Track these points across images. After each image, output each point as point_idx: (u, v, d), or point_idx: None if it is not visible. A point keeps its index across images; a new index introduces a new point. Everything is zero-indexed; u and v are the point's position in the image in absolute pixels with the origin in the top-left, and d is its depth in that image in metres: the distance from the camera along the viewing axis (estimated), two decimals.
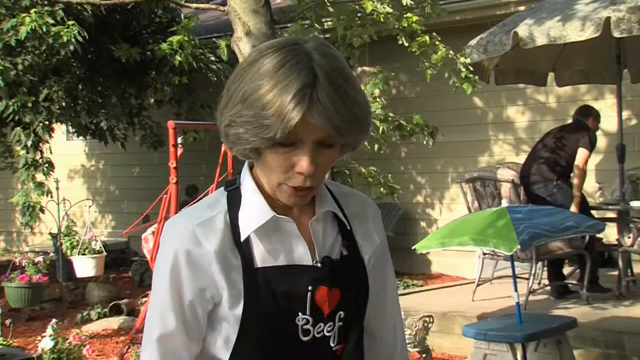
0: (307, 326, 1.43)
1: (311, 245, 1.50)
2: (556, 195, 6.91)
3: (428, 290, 8.65)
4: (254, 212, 1.47)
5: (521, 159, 7.85)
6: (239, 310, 1.43)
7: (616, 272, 7.23)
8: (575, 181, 6.89)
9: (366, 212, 1.63)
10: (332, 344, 1.46)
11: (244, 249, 1.46)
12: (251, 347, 1.41)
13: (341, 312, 1.48)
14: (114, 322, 8.06)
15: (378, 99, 7.63)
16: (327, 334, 1.46)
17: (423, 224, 10.27)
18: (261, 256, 1.46)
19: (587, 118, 7.07)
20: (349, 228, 1.56)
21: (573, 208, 6.71)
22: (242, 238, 1.46)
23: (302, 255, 1.49)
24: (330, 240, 1.54)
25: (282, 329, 1.42)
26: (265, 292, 1.42)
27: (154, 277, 1.49)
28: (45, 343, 5.50)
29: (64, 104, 9.22)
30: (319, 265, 1.49)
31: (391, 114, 7.55)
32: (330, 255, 1.51)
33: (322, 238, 1.53)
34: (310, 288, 1.45)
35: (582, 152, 6.80)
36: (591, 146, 6.88)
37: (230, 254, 1.46)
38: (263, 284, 1.43)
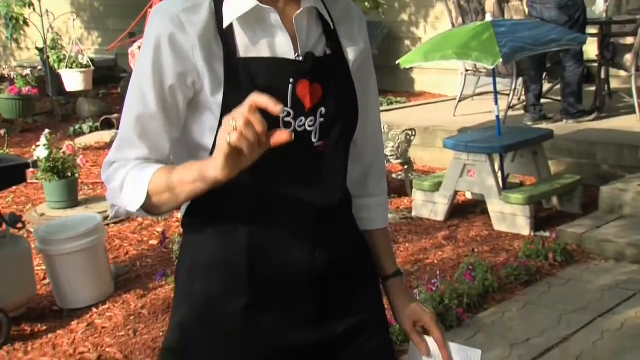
0: (288, 119, 1.43)
1: (294, 39, 1.48)
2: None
3: (411, 106, 8.71)
4: (239, 1, 1.45)
5: None
6: (220, 97, 1.43)
7: (594, 88, 7.30)
8: None
9: (352, 16, 1.60)
10: (313, 140, 1.47)
11: (227, 37, 1.44)
12: None
13: (323, 109, 1.47)
14: (106, 135, 8.14)
15: None
16: (308, 129, 1.46)
17: (407, 42, 10.16)
18: (244, 46, 1.45)
19: None
20: (333, 28, 1.54)
21: None
22: (225, 25, 1.44)
23: (284, 48, 1.47)
24: (314, 37, 1.52)
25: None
26: (245, 82, 1.41)
27: (137, 61, 1.48)
28: (40, 152, 5.59)
29: None
30: (301, 59, 1.47)
31: None
32: (313, 52, 1.51)
33: (305, 34, 1.50)
34: (291, 81, 1.45)
35: None
36: None
37: (214, 42, 1.43)
38: (244, 74, 1.42)
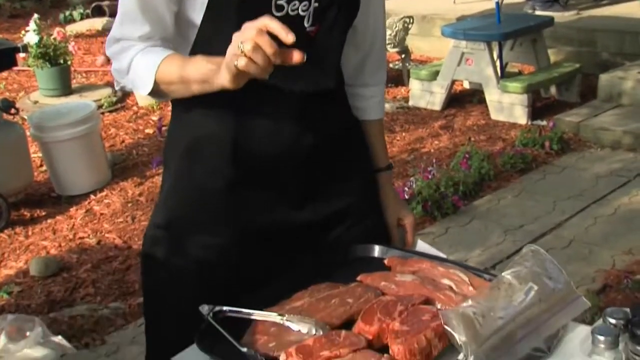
0: (281, 2, 1.37)
1: None
2: None
3: None
4: None
5: None
6: None
7: None
8: None
9: None
10: (306, 24, 1.41)
11: None
12: (227, 10, 1.37)
13: None
14: (98, 22, 7.96)
15: None
16: (301, 13, 1.40)
17: None
18: None
19: None
20: None
21: None
22: None
23: None
24: None
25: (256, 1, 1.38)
26: None
27: None
28: (30, 37, 5.45)
29: None
30: None
31: None
32: None
33: None
34: None
35: None
36: None
37: None
38: None
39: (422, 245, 1.68)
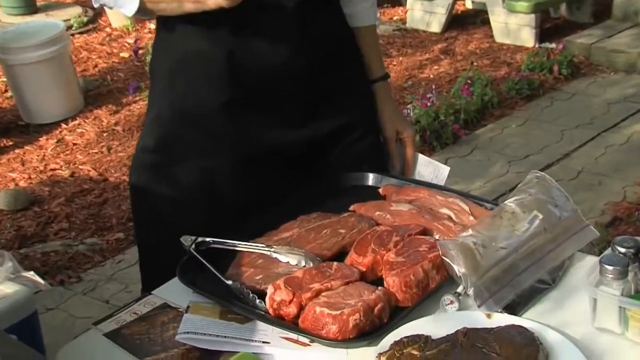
0: None
1: None
2: None
3: None
4: None
5: None
6: None
7: None
8: None
9: None
10: None
11: None
12: None
13: None
14: None
15: None
16: None
17: None
18: None
19: None
20: None
21: None
22: None
23: None
24: None
25: None
26: None
27: None
28: None
29: None
30: None
31: None
32: None
33: None
34: None
35: None
36: None
37: None
38: None
39: (422, 160, 1.68)
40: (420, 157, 1.69)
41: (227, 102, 1.48)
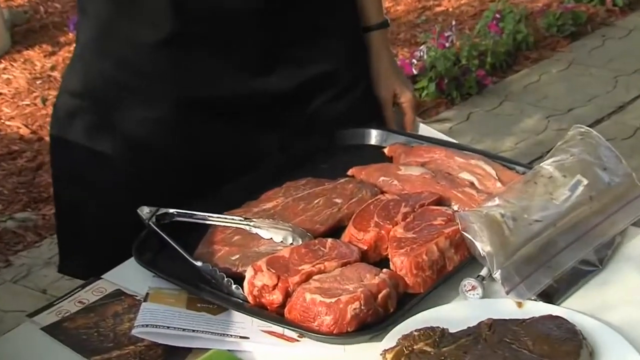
0: None
1: None
2: None
3: None
4: None
5: None
6: None
7: None
8: None
9: None
10: None
11: None
12: None
13: None
14: None
15: None
16: None
17: None
18: None
19: None
20: None
21: None
22: None
23: None
24: None
25: None
26: None
27: None
28: None
29: None
30: None
31: None
32: None
33: None
34: None
35: None
36: None
37: None
38: None
39: (425, 130, 1.70)
40: (423, 127, 1.71)
41: (166, 39, 1.47)
